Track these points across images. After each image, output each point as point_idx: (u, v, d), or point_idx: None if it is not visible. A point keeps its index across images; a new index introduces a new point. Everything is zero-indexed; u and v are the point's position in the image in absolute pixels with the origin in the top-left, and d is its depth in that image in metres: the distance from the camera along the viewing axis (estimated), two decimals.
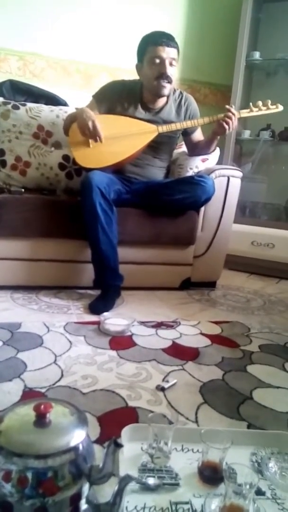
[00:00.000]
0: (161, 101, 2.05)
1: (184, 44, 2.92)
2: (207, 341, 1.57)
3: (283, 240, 2.64)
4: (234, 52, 2.81)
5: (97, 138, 1.85)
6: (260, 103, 2.00)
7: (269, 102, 2.00)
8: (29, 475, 0.60)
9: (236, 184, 2.20)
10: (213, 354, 1.46)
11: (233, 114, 1.93)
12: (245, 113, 2.01)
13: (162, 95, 1.97)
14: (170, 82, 1.93)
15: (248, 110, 2.01)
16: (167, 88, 1.94)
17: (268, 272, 2.71)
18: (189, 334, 1.63)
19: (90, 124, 1.83)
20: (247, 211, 2.96)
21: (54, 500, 0.60)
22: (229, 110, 1.93)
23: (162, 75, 1.89)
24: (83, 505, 0.65)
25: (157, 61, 1.87)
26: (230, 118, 1.92)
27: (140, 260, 2.12)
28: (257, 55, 2.85)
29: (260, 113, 2.02)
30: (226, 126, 1.93)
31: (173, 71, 1.93)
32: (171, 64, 1.89)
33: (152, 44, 1.88)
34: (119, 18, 2.74)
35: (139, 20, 2.71)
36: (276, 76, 3.01)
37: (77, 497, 0.64)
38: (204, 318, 1.83)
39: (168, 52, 1.87)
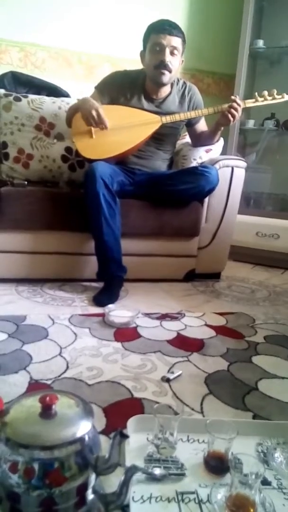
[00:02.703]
0: (164, 91, 2.03)
1: (187, 33, 2.83)
2: (212, 332, 1.57)
3: None
4: (237, 40, 2.78)
5: (103, 126, 1.84)
6: (265, 92, 1.97)
7: (275, 91, 1.97)
8: (36, 466, 0.60)
9: (240, 175, 2.19)
10: (218, 345, 1.46)
11: (239, 105, 1.90)
12: (250, 103, 1.98)
13: (161, 83, 1.95)
14: (169, 71, 1.90)
15: (254, 100, 1.98)
16: (166, 77, 1.92)
17: (273, 263, 2.70)
18: (194, 326, 1.62)
19: (94, 113, 1.82)
20: (251, 202, 2.94)
21: (60, 490, 0.61)
22: (234, 101, 1.90)
23: (161, 63, 1.87)
24: (90, 495, 0.66)
25: (157, 48, 1.86)
26: (235, 109, 1.90)
27: (144, 252, 2.11)
28: (260, 43, 2.81)
29: (265, 103, 1.99)
30: (231, 118, 1.91)
31: (174, 60, 1.90)
32: (172, 53, 1.87)
33: (154, 31, 1.86)
34: (121, 7, 2.71)
35: (141, 9, 2.68)
36: (280, 65, 2.97)
37: (83, 488, 0.64)
38: (209, 309, 1.82)
39: (169, 40, 1.84)
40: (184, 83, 2.11)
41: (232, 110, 1.90)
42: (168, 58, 1.87)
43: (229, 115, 1.91)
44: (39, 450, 0.60)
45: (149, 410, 1.01)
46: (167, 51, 1.85)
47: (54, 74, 2.64)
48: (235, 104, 1.90)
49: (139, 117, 1.94)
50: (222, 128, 2.05)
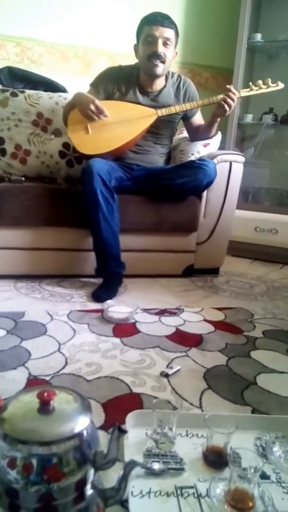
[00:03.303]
0: (159, 84, 2.02)
1: (185, 27, 2.86)
2: (211, 328, 1.57)
3: (287, 225, 2.62)
4: (235, 34, 2.76)
5: (103, 116, 1.84)
6: (260, 82, 1.97)
7: (270, 80, 1.97)
8: (34, 461, 0.60)
9: (238, 169, 2.18)
10: (216, 340, 1.46)
11: (234, 94, 1.90)
12: (245, 92, 1.98)
13: (155, 74, 1.94)
14: (163, 62, 1.90)
15: (248, 89, 1.98)
16: (159, 68, 1.91)
17: (271, 258, 2.70)
18: (193, 321, 1.62)
19: (92, 106, 1.82)
20: (249, 197, 2.94)
21: (59, 486, 0.61)
22: (229, 90, 1.90)
23: (154, 54, 1.87)
24: (89, 491, 0.66)
25: (150, 40, 1.86)
26: (231, 98, 1.90)
27: (143, 248, 2.11)
28: (258, 37, 2.80)
29: (260, 91, 1.99)
30: (226, 107, 1.90)
31: (168, 52, 1.90)
32: (164, 44, 1.87)
33: (147, 23, 1.87)
34: (117, 1, 2.69)
35: (138, 3, 2.66)
36: (278, 59, 2.96)
37: (82, 483, 0.64)
38: (208, 304, 1.82)
39: (161, 31, 1.84)
40: (179, 76, 2.10)
41: (228, 100, 1.90)
42: (161, 49, 1.87)
43: (225, 105, 1.90)
44: (37, 445, 0.60)
45: (148, 405, 1.01)
46: (160, 42, 1.86)
47: (50, 69, 2.62)
48: (230, 94, 1.90)
49: (135, 111, 1.93)
50: (219, 119, 2.04)
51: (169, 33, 1.86)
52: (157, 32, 1.84)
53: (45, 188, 2.00)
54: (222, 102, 1.90)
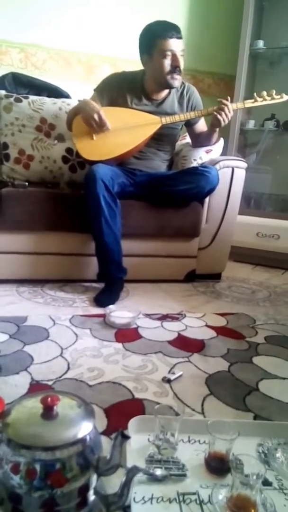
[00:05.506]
0: (164, 92, 2.03)
1: (187, 33, 2.88)
2: (213, 333, 1.57)
3: None
4: (237, 41, 2.78)
5: (105, 128, 1.85)
6: (264, 93, 1.97)
7: (274, 92, 1.98)
8: (37, 467, 0.60)
9: (240, 175, 2.19)
10: (218, 346, 1.46)
11: (225, 105, 1.91)
12: (249, 103, 1.99)
13: (174, 87, 1.97)
14: (180, 74, 1.92)
15: (253, 100, 1.99)
16: (178, 80, 1.94)
17: (273, 263, 2.70)
18: (195, 326, 1.63)
19: (95, 115, 1.83)
20: (251, 202, 2.95)
21: (62, 491, 0.61)
22: (220, 102, 1.92)
23: (175, 69, 1.88)
24: (91, 496, 0.66)
25: (169, 54, 1.86)
26: (222, 110, 1.91)
27: (145, 253, 2.11)
28: (261, 43, 2.82)
29: (264, 103, 1.99)
30: (220, 118, 1.92)
31: (182, 63, 1.92)
32: (181, 56, 1.88)
33: (161, 37, 1.84)
34: (120, 7, 2.71)
35: (141, 9, 2.69)
36: (281, 65, 2.97)
37: (85, 488, 0.64)
38: (209, 310, 1.82)
39: (177, 44, 1.85)
40: (183, 83, 2.11)
41: (220, 111, 1.91)
42: (182, 63, 1.88)
43: (218, 116, 1.92)
44: (41, 451, 0.60)
45: (150, 411, 1.01)
46: (178, 55, 1.86)
47: (54, 75, 2.64)
48: (221, 105, 1.91)
49: (139, 118, 1.94)
50: (217, 129, 2.05)
51: (182, 43, 1.87)
52: (174, 46, 1.84)
53: (48, 193, 2.01)
54: (216, 114, 1.92)
